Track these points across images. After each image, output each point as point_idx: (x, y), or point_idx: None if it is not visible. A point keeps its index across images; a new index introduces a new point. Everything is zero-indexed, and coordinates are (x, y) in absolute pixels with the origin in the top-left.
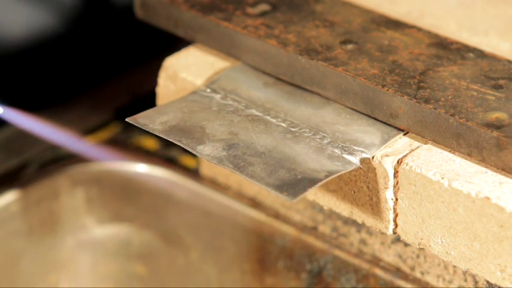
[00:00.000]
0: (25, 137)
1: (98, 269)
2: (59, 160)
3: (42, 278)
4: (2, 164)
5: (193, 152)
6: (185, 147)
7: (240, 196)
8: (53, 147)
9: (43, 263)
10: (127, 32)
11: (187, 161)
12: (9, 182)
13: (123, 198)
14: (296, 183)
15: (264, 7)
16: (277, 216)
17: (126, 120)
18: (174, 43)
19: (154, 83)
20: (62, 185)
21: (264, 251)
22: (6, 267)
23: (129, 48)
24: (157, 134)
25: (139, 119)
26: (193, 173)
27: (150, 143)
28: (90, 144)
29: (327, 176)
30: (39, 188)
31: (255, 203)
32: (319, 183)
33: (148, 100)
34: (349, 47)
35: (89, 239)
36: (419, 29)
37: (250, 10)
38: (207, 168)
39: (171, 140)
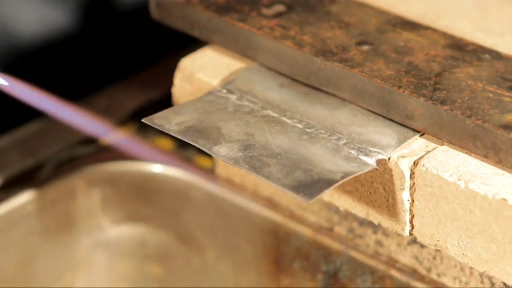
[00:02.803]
0: (41, 137)
1: (113, 269)
2: (75, 160)
3: (57, 278)
4: (18, 164)
5: (209, 153)
6: (201, 148)
7: (255, 197)
8: (68, 147)
9: (59, 263)
10: (141, 31)
11: (203, 161)
12: (25, 182)
13: (139, 198)
14: (312, 184)
15: (279, 8)
16: (292, 217)
17: (142, 120)
18: (189, 43)
19: (169, 83)
20: (77, 185)
21: (280, 252)
22: (22, 266)
23: (143, 48)
24: (174, 135)
25: (156, 120)
26: (209, 173)
27: (165, 143)
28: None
29: (343, 177)
30: (55, 188)
31: (270, 204)
32: (336, 185)
33: (163, 101)
34: (365, 48)
35: (105, 239)
36: (434, 30)
37: (265, 11)
38: (222, 169)
39: (187, 141)
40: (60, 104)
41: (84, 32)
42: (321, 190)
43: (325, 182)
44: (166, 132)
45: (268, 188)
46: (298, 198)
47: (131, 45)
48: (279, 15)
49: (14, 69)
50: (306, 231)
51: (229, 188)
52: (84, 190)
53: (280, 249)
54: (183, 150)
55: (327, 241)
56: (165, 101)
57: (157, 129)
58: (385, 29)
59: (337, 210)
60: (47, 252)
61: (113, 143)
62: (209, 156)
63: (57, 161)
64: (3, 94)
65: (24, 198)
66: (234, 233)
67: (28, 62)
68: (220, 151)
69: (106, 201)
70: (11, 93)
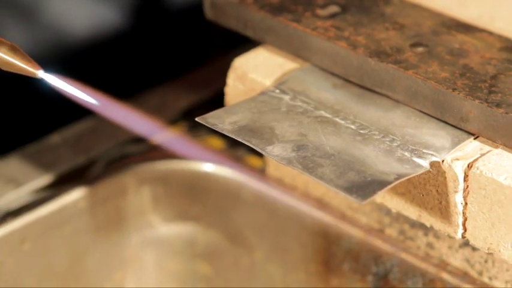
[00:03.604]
0: (92, 135)
1: (163, 267)
2: (126, 158)
3: (108, 275)
4: (70, 161)
5: (263, 153)
6: (255, 148)
7: (306, 197)
8: (119, 145)
9: (109, 260)
10: (194, 30)
11: (254, 161)
12: (76, 179)
13: (189, 197)
14: (366, 186)
15: (333, 9)
16: (343, 218)
17: (196, 119)
18: (239, 43)
19: (219, 83)
20: (128, 182)
21: (330, 253)
22: (73, 263)
23: (194, 47)
24: (227, 134)
25: (209, 119)
26: (260, 173)
27: (216, 143)
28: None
29: (396, 179)
30: (106, 185)
31: (321, 205)
32: (389, 186)
33: (216, 100)
34: (420, 50)
35: (155, 237)
36: (490, 33)
37: (319, 12)
38: (273, 169)
39: (240, 140)
40: (110, 103)
41: (136, 30)
42: (374, 191)
43: (379, 184)
44: (220, 131)
45: (319, 189)
46: (351, 199)
47: (182, 45)
48: (333, 16)
49: (65, 67)
50: (356, 233)
51: (279, 188)
52: (135, 188)
53: (330, 250)
54: (234, 149)
55: (378, 243)
56: (216, 101)
57: (208, 129)
58: (440, 31)
59: (388, 211)
60: (97, 250)
61: (162, 143)
62: (260, 156)
63: (108, 159)
64: (55, 92)
65: (76, 195)
66: (283, 233)
67: (79, 60)
68: (274, 151)
69: (156, 200)
70: (63, 92)
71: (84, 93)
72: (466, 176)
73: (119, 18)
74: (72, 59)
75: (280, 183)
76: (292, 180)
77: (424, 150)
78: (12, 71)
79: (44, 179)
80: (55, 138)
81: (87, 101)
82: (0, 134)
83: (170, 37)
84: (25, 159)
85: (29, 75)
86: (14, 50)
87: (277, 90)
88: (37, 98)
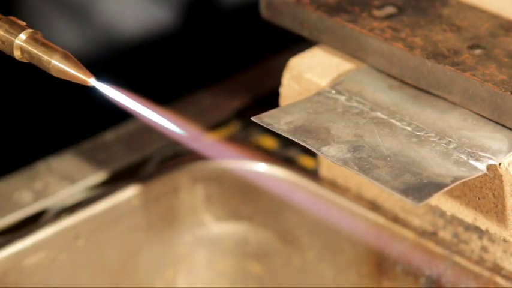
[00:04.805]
0: (146, 133)
1: (214, 266)
2: (179, 156)
3: (159, 273)
4: (124, 159)
5: (318, 153)
6: (310, 148)
7: (359, 198)
8: (173, 144)
9: (161, 258)
10: (248, 29)
11: (306, 162)
12: (130, 177)
13: (242, 196)
14: (422, 188)
15: (390, 10)
16: (396, 220)
17: (252, 119)
18: (295, 42)
19: (274, 82)
20: (181, 181)
21: (382, 255)
22: (125, 260)
23: (249, 46)
24: (283, 134)
25: (265, 119)
26: (312, 174)
27: (269, 143)
28: (211, 141)
29: (453, 182)
30: (159, 183)
31: (374, 206)
32: (445, 189)
33: (268, 99)
34: (477, 52)
35: (207, 236)
36: None
37: (376, 12)
38: (326, 170)
39: (296, 141)
40: (157, 112)
41: (189, 29)
42: (430, 194)
43: (435, 186)
44: (276, 131)
45: (371, 190)
46: (407, 201)
47: (235, 44)
48: (389, 17)
49: (117, 67)
50: (409, 235)
51: (332, 189)
52: (188, 187)
53: (382, 252)
54: (286, 149)
55: (431, 245)
56: (269, 101)
57: (261, 128)
58: (498, 33)
59: (441, 214)
60: (149, 247)
61: (199, 148)
62: (313, 156)
63: (161, 157)
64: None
65: (129, 193)
66: (335, 233)
67: (133, 59)
68: (329, 152)
69: (209, 199)
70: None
71: (133, 101)
72: None
73: (172, 18)
74: (125, 59)
75: (332, 184)
76: (344, 182)
77: (481, 153)
78: (64, 78)
79: (98, 176)
80: (109, 135)
81: (135, 110)
82: (56, 131)
83: (224, 36)
84: (80, 157)
85: (81, 82)
86: (66, 57)
87: (333, 91)
88: (91, 95)
